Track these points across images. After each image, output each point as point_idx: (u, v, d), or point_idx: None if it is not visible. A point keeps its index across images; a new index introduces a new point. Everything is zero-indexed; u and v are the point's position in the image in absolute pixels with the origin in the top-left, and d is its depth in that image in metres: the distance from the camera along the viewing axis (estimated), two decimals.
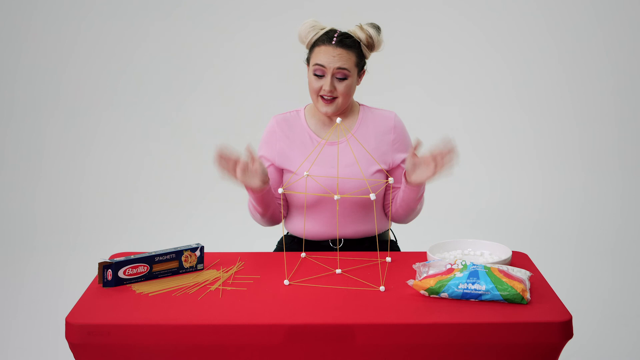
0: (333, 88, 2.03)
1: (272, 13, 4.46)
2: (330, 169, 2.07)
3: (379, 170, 2.11)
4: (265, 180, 2.00)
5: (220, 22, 4.47)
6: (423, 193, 2.11)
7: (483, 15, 4.43)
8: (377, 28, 2.07)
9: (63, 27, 4.46)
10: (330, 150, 2.10)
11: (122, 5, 4.46)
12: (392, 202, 2.15)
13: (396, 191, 2.17)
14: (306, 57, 2.11)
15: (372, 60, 2.17)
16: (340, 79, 2.03)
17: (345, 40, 2.03)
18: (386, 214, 2.20)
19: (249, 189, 2.01)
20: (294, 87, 2.32)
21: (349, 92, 2.06)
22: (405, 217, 2.18)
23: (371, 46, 2.08)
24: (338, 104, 2.05)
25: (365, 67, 2.11)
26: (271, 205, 2.10)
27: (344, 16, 2.64)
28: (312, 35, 2.06)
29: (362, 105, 2.18)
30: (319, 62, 2.03)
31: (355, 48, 2.04)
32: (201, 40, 4.48)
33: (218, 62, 4.51)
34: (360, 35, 2.05)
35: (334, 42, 2.02)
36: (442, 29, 4.44)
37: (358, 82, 2.10)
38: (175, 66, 4.50)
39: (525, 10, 4.40)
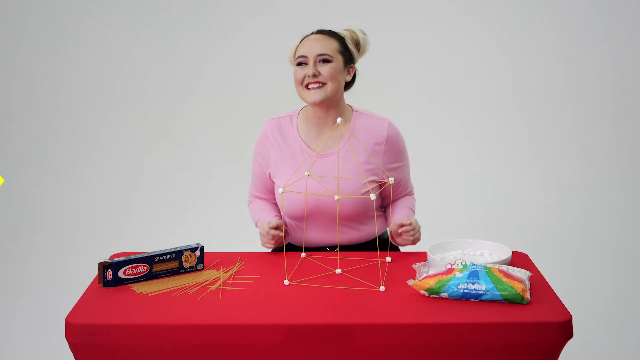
0: (317, 72, 1.98)
1: (272, 13, 4.46)
2: (321, 181, 2.03)
3: (371, 182, 2.06)
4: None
5: (219, 22, 4.48)
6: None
7: (485, 16, 4.42)
8: (363, 32, 2.09)
9: (64, 28, 4.47)
10: (321, 163, 2.06)
11: (122, 8, 4.46)
12: (391, 204, 2.15)
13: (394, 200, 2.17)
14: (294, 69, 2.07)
15: (373, 61, 2.15)
16: (323, 63, 1.99)
17: (325, 30, 2.06)
18: (385, 214, 2.19)
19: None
20: (291, 89, 2.31)
21: (336, 76, 2.00)
22: None
23: (356, 42, 2.06)
24: (327, 90, 1.99)
25: (354, 64, 2.08)
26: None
27: (341, 21, 2.62)
28: (297, 45, 2.06)
29: (356, 110, 2.10)
30: (301, 53, 2.01)
31: (336, 37, 2.04)
32: (202, 41, 4.48)
33: (217, 63, 4.51)
34: (344, 32, 2.07)
35: (312, 33, 2.05)
36: (443, 30, 4.44)
37: (347, 78, 2.06)
38: (175, 67, 4.50)
39: (528, 10, 4.40)
